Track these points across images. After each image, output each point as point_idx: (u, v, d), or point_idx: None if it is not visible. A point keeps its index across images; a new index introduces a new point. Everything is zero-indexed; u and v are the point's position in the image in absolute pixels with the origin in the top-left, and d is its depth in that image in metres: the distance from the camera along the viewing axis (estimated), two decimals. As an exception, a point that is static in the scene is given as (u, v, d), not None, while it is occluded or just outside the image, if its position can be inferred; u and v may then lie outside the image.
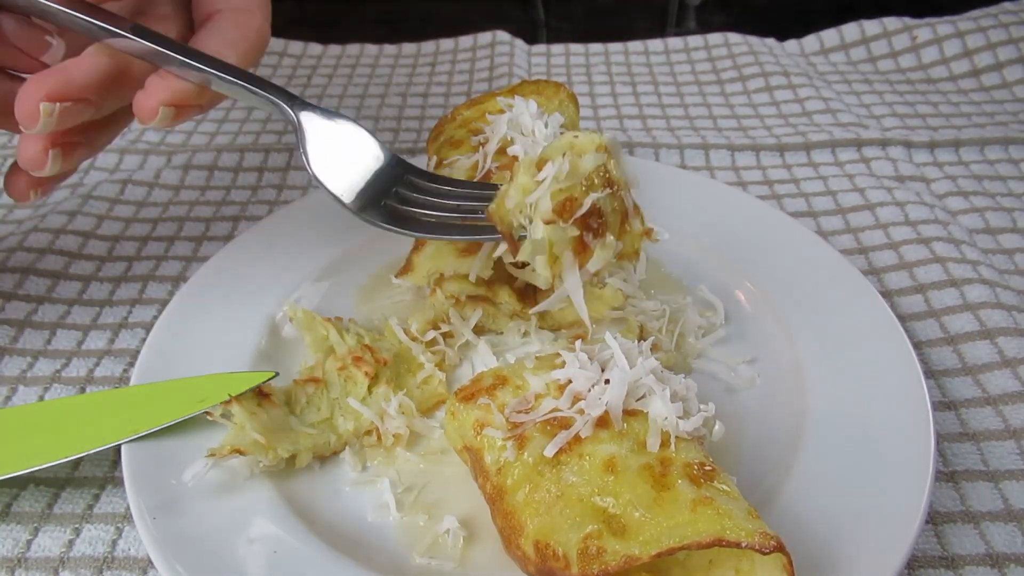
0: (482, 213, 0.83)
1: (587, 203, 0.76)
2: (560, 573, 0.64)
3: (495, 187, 0.86)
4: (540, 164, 0.78)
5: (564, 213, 0.76)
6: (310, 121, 0.85)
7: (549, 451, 0.69)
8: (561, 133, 1.03)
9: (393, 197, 0.87)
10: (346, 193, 0.85)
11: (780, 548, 0.60)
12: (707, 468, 0.68)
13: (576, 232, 0.77)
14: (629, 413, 0.71)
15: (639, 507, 0.64)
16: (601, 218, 0.78)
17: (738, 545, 0.60)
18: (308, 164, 0.85)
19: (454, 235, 0.87)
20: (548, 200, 0.76)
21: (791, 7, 2.13)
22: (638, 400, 0.72)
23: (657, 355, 0.91)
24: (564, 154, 0.77)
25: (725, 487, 0.66)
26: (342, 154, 0.87)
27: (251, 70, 0.85)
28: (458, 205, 0.87)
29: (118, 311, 1.08)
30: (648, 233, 0.82)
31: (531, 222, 0.78)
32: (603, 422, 0.70)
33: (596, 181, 0.77)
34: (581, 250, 0.78)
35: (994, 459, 0.85)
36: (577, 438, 0.69)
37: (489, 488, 0.72)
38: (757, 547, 0.59)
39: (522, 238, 0.79)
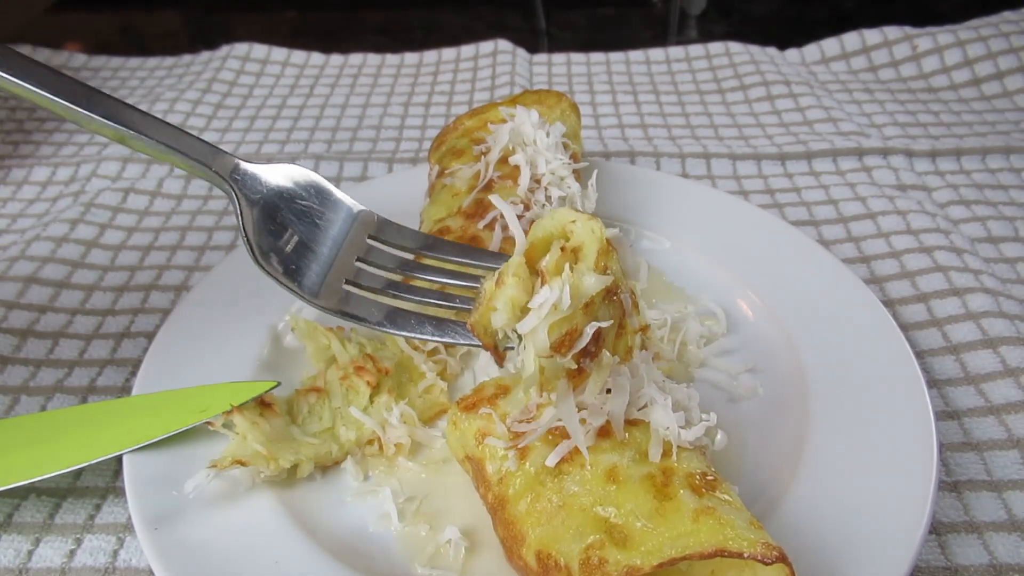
0: (459, 300, 0.76)
1: (588, 333, 0.66)
2: (562, 584, 0.64)
3: (482, 255, 0.77)
4: (530, 260, 0.69)
5: (563, 347, 0.66)
6: (249, 186, 0.73)
7: (551, 461, 0.69)
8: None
9: (355, 274, 0.79)
10: (302, 279, 0.76)
11: (782, 559, 0.60)
12: (709, 478, 0.67)
13: (574, 365, 0.67)
14: (631, 423, 0.71)
15: (641, 517, 0.64)
16: (599, 339, 0.68)
17: (740, 555, 0.60)
18: (251, 249, 0.74)
19: (428, 334, 0.78)
20: (545, 335, 0.65)
21: (791, 16, 2.14)
22: (640, 410, 0.72)
23: (659, 364, 0.91)
24: (562, 276, 0.66)
25: (727, 497, 0.66)
26: (292, 224, 0.76)
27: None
28: (430, 286, 0.79)
29: (120, 320, 1.08)
30: (644, 329, 0.72)
31: (520, 340, 0.69)
32: (605, 432, 0.70)
33: (597, 301, 0.67)
34: (576, 375, 0.69)
35: (997, 469, 0.85)
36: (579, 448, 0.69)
37: (491, 498, 0.72)
38: (759, 557, 0.59)
39: (508, 349, 0.71)
